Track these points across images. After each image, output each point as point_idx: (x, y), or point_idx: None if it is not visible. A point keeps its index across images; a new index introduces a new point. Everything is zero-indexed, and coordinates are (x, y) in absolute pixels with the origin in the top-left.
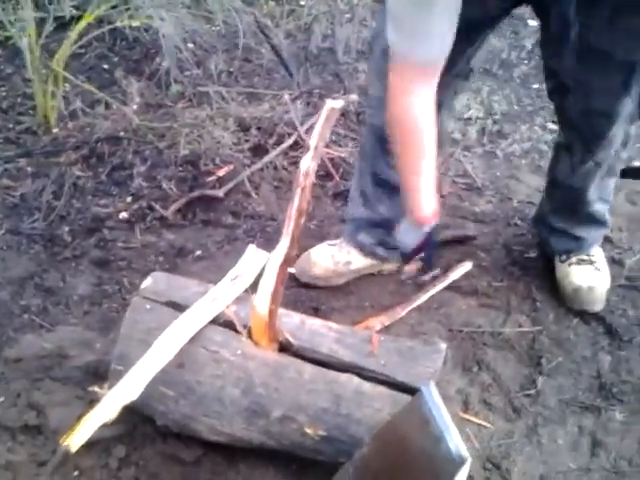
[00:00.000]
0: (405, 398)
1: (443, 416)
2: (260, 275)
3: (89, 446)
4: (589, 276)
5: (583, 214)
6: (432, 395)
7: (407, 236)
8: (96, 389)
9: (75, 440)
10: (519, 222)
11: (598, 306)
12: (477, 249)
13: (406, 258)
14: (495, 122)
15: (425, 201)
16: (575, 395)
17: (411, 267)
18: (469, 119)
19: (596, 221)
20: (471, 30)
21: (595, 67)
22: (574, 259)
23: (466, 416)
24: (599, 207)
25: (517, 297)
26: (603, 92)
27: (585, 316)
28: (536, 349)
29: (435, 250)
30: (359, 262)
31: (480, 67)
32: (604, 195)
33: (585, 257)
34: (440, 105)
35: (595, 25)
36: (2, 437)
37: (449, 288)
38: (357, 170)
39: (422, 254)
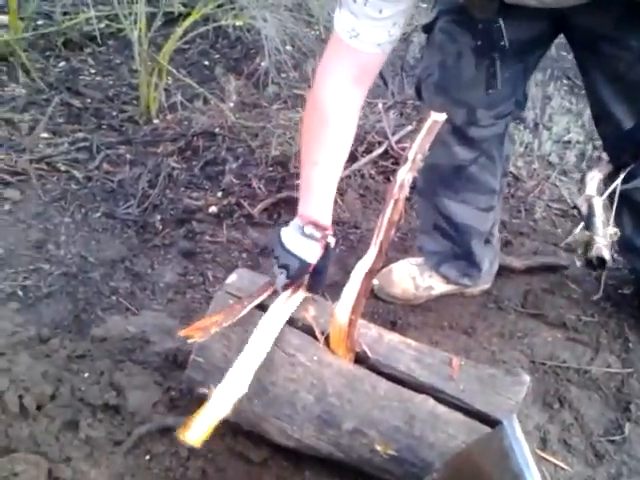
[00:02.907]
0: (481, 427)
1: (524, 453)
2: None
3: (161, 433)
4: None
5: None
6: (514, 429)
7: (294, 242)
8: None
9: (191, 436)
10: (615, 256)
11: None
12: (568, 279)
13: (294, 276)
14: (595, 147)
15: (315, 201)
16: None
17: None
18: (568, 142)
19: None
20: (523, 51)
21: (625, 96)
22: None
23: (543, 454)
24: None
25: (608, 335)
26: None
27: None
28: (625, 393)
29: (323, 273)
30: (441, 288)
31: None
32: None
33: None
34: (502, 135)
35: (627, 58)
36: (84, 412)
37: (535, 317)
38: (422, 206)
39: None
